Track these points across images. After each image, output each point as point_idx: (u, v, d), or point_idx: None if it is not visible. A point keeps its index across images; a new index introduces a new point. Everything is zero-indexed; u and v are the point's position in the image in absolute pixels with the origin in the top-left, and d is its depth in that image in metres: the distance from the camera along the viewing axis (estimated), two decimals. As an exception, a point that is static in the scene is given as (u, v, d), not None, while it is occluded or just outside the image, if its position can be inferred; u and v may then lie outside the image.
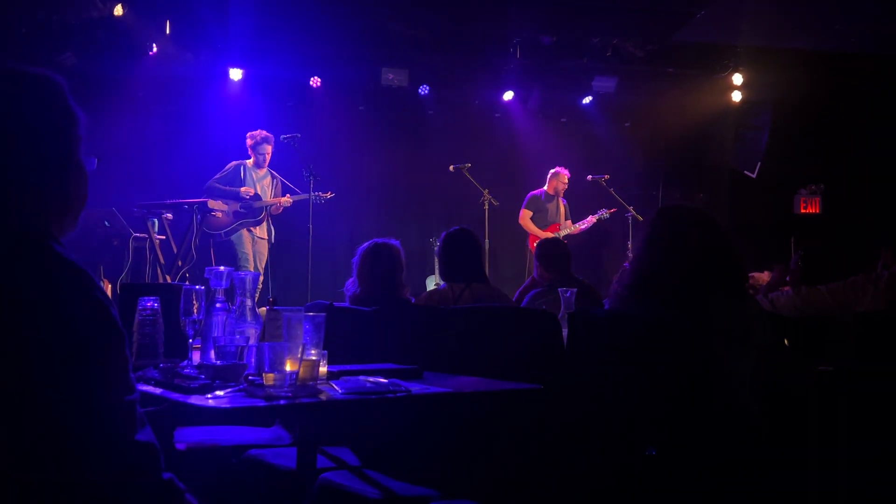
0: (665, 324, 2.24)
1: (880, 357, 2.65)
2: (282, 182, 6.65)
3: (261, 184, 6.60)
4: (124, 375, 1.22)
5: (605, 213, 7.61)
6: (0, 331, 1.14)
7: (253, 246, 6.50)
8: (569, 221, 7.71)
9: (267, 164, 6.63)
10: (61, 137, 1.30)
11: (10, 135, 1.25)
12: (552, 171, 7.70)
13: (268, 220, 6.61)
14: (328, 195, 6.52)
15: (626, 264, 2.50)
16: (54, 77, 1.32)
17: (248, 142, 6.61)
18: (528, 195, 7.73)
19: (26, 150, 1.26)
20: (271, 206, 6.55)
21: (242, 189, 6.43)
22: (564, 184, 7.66)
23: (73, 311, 1.17)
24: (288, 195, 6.59)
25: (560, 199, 7.73)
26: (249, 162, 6.61)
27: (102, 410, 1.18)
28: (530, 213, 7.66)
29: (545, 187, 7.71)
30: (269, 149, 6.60)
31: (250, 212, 6.48)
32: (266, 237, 6.60)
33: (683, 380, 2.17)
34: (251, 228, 6.50)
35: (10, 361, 1.14)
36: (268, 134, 6.58)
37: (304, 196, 6.48)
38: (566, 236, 7.53)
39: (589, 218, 7.61)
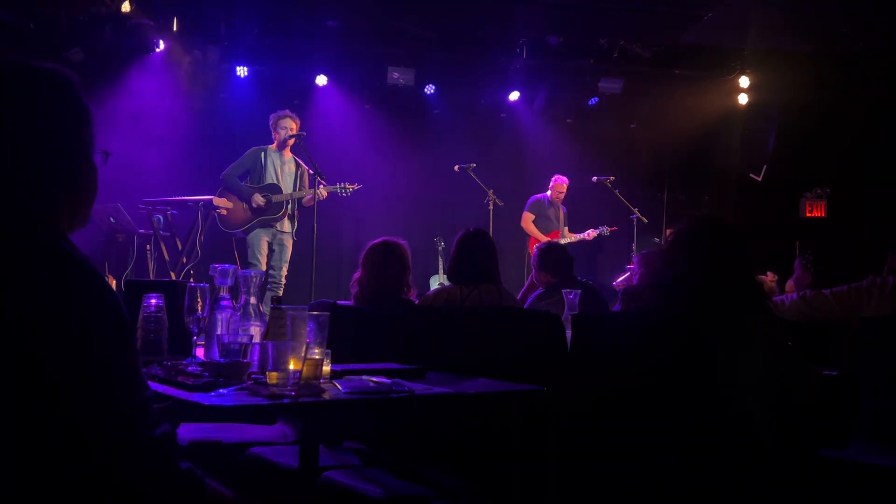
0: (669, 327, 2.23)
1: (885, 362, 2.64)
2: (308, 173, 6.18)
3: (283, 171, 6.16)
4: (137, 373, 1.23)
5: (605, 230, 7.66)
6: (12, 330, 1.14)
7: (272, 243, 6.12)
8: (566, 228, 7.76)
9: (291, 143, 6.15)
10: (73, 134, 1.30)
11: (22, 131, 1.25)
12: (553, 177, 7.78)
13: (293, 214, 6.18)
14: (355, 186, 6.20)
15: (629, 266, 2.49)
16: (67, 73, 1.31)
17: (270, 121, 6.16)
18: (531, 199, 7.77)
19: (38, 147, 1.26)
20: (298, 198, 6.12)
21: (255, 196, 6.03)
22: (560, 192, 7.74)
23: (85, 312, 1.17)
24: (322, 186, 6.07)
25: (560, 206, 7.79)
26: (272, 147, 6.17)
27: (119, 407, 1.19)
28: (532, 217, 7.71)
29: (548, 192, 7.77)
30: (292, 124, 6.12)
31: (270, 207, 6.08)
32: (288, 231, 6.17)
33: (687, 384, 2.16)
34: (272, 224, 6.11)
35: (23, 361, 1.14)
36: (292, 113, 6.19)
37: (332, 187, 6.13)
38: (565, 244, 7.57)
39: (589, 231, 7.65)
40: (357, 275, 3.25)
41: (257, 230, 6.10)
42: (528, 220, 7.71)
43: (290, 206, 6.16)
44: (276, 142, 6.19)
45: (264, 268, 6.06)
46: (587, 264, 7.87)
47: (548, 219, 7.72)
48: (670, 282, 2.26)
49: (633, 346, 2.25)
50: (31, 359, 1.14)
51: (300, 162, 6.23)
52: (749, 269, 2.29)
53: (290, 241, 6.22)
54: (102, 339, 1.18)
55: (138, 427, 1.20)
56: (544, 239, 7.54)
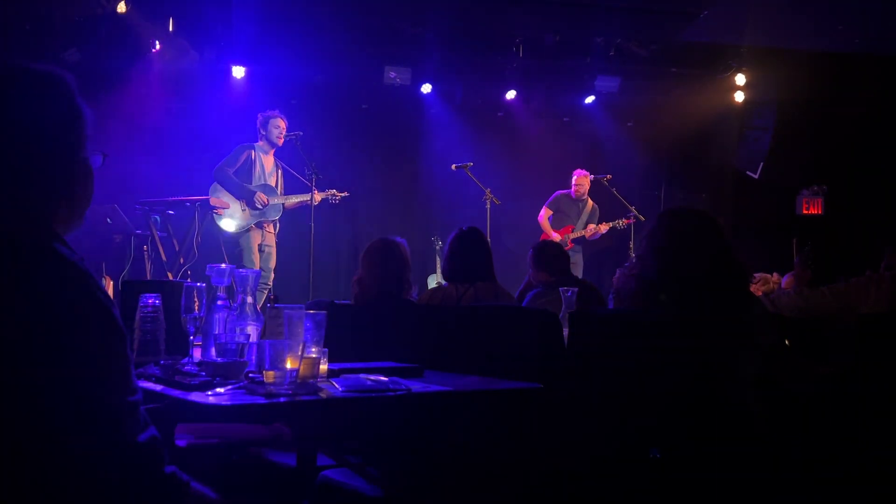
0: (667, 324, 2.24)
1: (882, 359, 2.64)
2: (284, 172, 6.27)
3: (272, 174, 6.18)
4: (126, 376, 1.23)
5: (620, 223, 7.56)
6: (2, 332, 1.14)
7: (261, 241, 6.11)
8: (591, 224, 7.62)
9: (280, 144, 6.17)
10: (68, 135, 1.30)
11: (18, 132, 1.25)
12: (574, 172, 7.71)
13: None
14: (343, 194, 6.28)
15: (626, 264, 2.50)
16: (62, 74, 1.31)
17: (259, 119, 6.14)
18: (553, 194, 7.70)
19: (33, 148, 1.26)
20: (299, 203, 6.13)
21: (259, 195, 6.02)
22: (579, 186, 7.60)
23: (75, 314, 1.17)
24: (334, 190, 6.20)
25: (587, 201, 7.66)
26: (259, 144, 6.15)
27: (104, 411, 1.18)
28: (549, 213, 7.65)
29: (571, 188, 7.70)
30: (282, 125, 6.11)
31: (272, 209, 6.11)
32: (273, 233, 6.22)
33: (685, 381, 2.16)
34: (264, 226, 6.10)
35: (12, 362, 1.14)
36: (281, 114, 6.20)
37: (323, 194, 6.17)
38: (576, 238, 7.52)
39: (602, 224, 7.57)
40: (357, 275, 3.24)
41: (250, 232, 6.07)
42: (543, 217, 7.65)
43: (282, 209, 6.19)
44: (264, 141, 6.17)
45: (258, 266, 6.04)
46: (589, 264, 7.87)
47: (566, 215, 7.62)
48: (655, 279, 2.27)
49: (630, 343, 2.25)
50: (20, 358, 1.14)
51: (279, 162, 6.26)
52: (728, 255, 2.29)
53: (274, 240, 6.23)
54: (91, 341, 1.18)
55: (122, 430, 1.19)
56: (553, 235, 7.52)
